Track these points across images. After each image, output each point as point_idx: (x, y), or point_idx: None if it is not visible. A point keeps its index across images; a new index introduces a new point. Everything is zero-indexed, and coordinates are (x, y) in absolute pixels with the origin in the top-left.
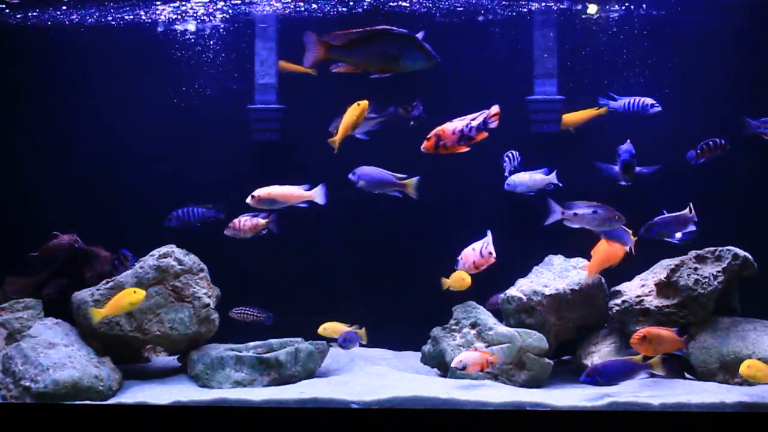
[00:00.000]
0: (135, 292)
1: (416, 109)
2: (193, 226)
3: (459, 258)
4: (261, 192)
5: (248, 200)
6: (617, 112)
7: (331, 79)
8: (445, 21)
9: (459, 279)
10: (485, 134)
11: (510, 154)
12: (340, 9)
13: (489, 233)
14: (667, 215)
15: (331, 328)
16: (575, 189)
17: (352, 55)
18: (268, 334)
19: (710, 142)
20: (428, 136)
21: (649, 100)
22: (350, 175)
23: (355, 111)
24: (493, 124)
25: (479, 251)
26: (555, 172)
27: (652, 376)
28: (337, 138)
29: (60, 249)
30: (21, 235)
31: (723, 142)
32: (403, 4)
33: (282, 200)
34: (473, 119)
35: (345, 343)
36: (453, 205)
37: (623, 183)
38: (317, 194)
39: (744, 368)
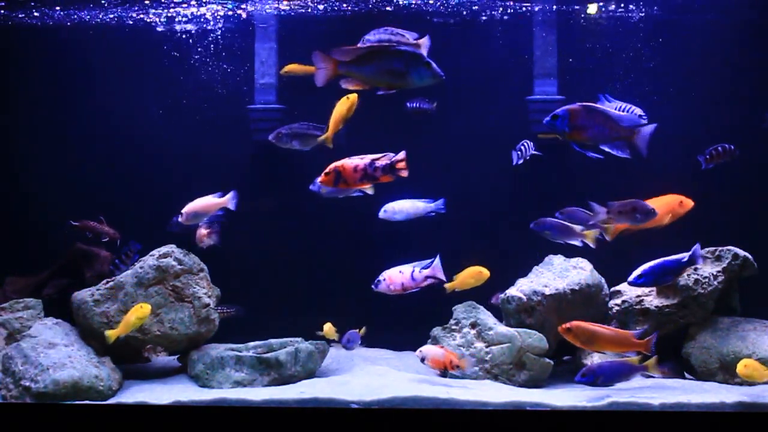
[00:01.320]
0: (141, 307)
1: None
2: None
3: (381, 279)
4: (186, 209)
5: (180, 219)
6: None
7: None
8: (445, 21)
9: (476, 273)
10: (391, 178)
11: (524, 144)
12: (340, 9)
13: (437, 257)
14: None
15: (327, 328)
16: (575, 189)
17: (361, 71)
18: (268, 334)
19: (719, 148)
20: (327, 170)
21: (638, 110)
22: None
23: (344, 104)
24: (404, 173)
25: (410, 275)
26: (443, 200)
27: (649, 377)
28: (328, 134)
29: (100, 232)
30: (21, 235)
31: (732, 147)
32: (402, 2)
33: (203, 212)
34: (377, 159)
35: (349, 344)
36: (453, 205)
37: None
38: (229, 201)
39: (741, 367)
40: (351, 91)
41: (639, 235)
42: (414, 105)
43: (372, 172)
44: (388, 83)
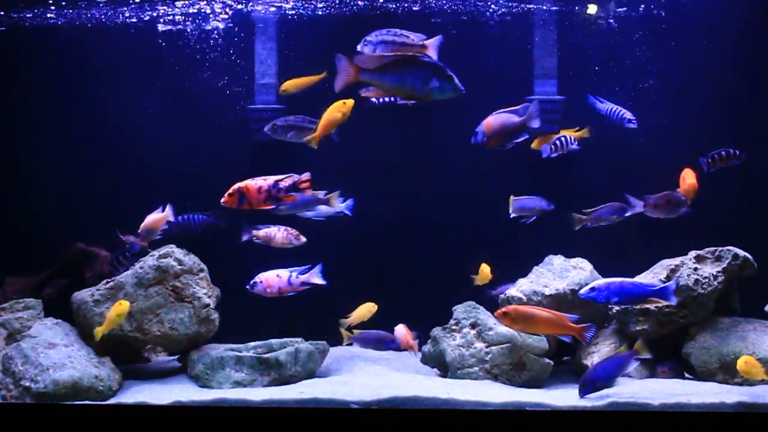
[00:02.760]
0: (120, 303)
1: None
2: (194, 233)
3: (258, 281)
4: (142, 227)
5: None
6: (599, 113)
7: (330, 79)
8: (444, 21)
9: (370, 308)
10: (295, 197)
11: (562, 139)
12: (340, 9)
13: (320, 265)
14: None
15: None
16: (575, 188)
17: (382, 80)
18: (268, 334)
19: (722, 152)
20: (231, 191)
21: (628, 114)
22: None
23: (339, 110)
24: (307, 192)
25: (287, 279)
26: (352, 200)
27: (641, 360)
28: (315, 135)
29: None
30: (21, 235)
31: (737, 152)
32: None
33: (153, 227)
34: (280, 180)
35: (388, 344)
36: (453, 204)
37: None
38: (168, 213)
39: (741, 363)
40: (344, 96)
41: (636, 235)
42: (381, 100)
43: (276, 194)
44: (409, 94)
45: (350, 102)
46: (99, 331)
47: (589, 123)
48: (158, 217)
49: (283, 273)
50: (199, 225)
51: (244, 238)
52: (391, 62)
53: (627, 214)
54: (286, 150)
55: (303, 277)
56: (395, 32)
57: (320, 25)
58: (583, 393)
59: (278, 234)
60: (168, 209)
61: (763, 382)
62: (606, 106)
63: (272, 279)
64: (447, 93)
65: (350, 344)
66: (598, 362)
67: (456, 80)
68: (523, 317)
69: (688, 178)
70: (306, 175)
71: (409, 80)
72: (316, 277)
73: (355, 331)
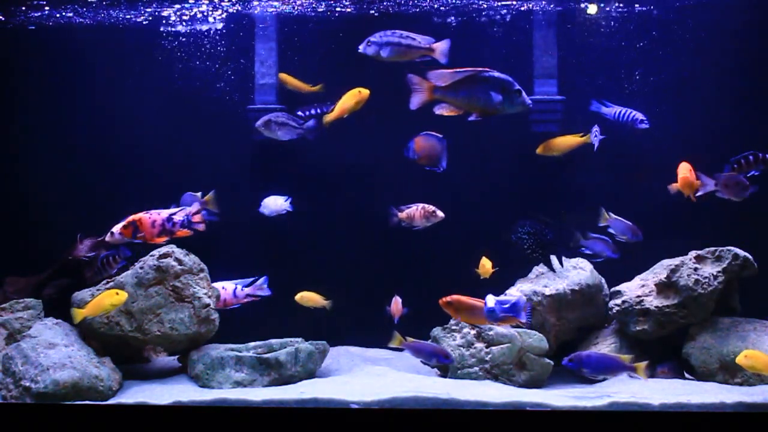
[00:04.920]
0: (117, 293)
1: None
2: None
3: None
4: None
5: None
6: (606, 118)
7: (330, 79)
8: (444, 21)
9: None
10: (188, 232)
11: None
12: (341, 9)
13: (265, 277)
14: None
15: (308, 297)
16: (574, 188)
17: (456, 96)
18: (268, 334)
19: (750, 156)
20: (125, 223)
21: (639, 115)
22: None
23: (354, 97)
24: (200, 227)
25: (232, 292)
26: (290, 199)
27: (633, 378)
28: (330, 116)
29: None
30: (21, 235)
31: (766, 156)
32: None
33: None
34: (174, 214)
35: (441, 359)
36: (453, 204)
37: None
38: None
39: (742, 359)
40: (335, 93)
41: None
42: (307, 113)
43: (170, 228)
44: (480, 109)
45: (366, 91)
46: (80, 314)
47: (589, 124)
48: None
49: (229, 285)
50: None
51: (394, 220)
52: (462, 78)
53: (699, 194)
54: (287, 150)
55: (248, 290)
56: (400, 34)
57: (321, 24)
58: (565, 361)
59: (416, 213)
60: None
61: (762, 382)
62: (612, 109)
63: (218, 291)
64: (516, 107)
65: (401, 350)
66: (601, 353)
67: (524, 94)
68: (465, 308)
69: (682, 172)
70: (195, 206)
71: (480, 96)
72: (260, 290)
73: (410, 339)
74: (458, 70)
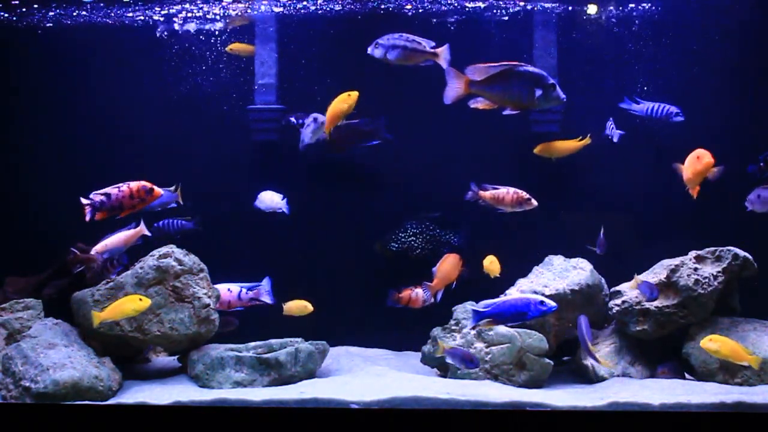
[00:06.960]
0: (141, 299)
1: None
2: (174, 238)
3: None
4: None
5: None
6: (639, 116)
7: (330, 79)
8: (443, 21)
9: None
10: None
11: (611, 123)
12: (341, 9)
13: (268, 278)
14: None
15: (294, 306)
16: (574, 187)
17: (492, 91)
18: (268, 334)
19: None
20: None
21: (673, 108)
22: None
23: (344, 101)
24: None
25: (237, 294)
26: (285, 199)
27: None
28: (326, 127)
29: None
30: (21, 235)
31: None
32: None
33: (124, 244)
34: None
35: (468, 364)
36: (454, 204)
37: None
38: (141, 228)
39: (706, 341)
40: (326, 93)
41: (636, 235)
42: (300, 120)
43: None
44: (515, 103)
45: (355, 94)
46: (99, 317)
47: (588, 124)
48: (131, 233)
49: (234, 287)
50: (178, 230)
51: (468, 196)
52: (497, 73)
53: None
54: (287, 150)
55: (252, 294)
56: (407, 38)
57: (321, 24)
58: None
59: (507, 196)
60: (141, 225)
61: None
62: (644, 105)
63: (223, 293)
64: (551, 101)
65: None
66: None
67: (558, 88)
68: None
69: (705, 158)
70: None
71: (515, 90)
72: (264, 295)
73: (447, 346)
74: (493, 64)
